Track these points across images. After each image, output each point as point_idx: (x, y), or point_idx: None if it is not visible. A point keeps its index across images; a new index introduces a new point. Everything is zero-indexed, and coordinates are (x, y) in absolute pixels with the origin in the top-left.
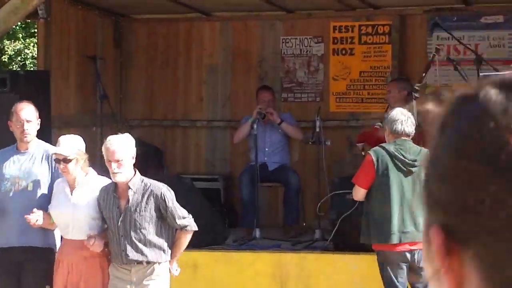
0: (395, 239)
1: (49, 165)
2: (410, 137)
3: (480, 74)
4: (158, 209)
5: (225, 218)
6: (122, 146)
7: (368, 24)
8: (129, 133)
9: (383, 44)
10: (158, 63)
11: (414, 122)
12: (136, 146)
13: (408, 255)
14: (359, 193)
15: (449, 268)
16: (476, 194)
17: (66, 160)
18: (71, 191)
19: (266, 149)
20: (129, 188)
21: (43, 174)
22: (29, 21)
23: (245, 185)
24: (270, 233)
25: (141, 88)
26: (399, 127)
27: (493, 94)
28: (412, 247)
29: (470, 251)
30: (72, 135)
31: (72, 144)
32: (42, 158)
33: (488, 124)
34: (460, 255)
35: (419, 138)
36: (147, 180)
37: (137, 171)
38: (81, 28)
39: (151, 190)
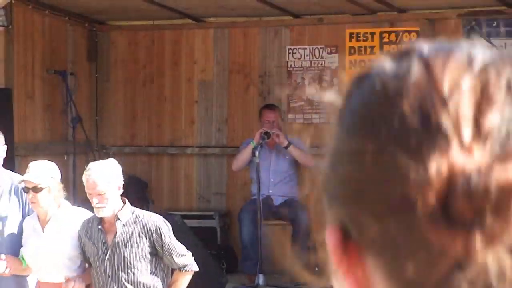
0: None
1: (19, 200)
2: None
3: None
4: (152, 245)
5: (222, 262)
6: (104, 176)
7: (392, 30)
8: None
9: None
10: (140, 79)
11: None
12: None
13: None
14: None
15: (349, 271)
16: (367, 173)
17: (37, 189)
18: (43, 227)
19: (271, 179)
20: (118, 219)
21: (12, 211)
22: None
23: (245, 224)
24: (276, 280)
25: (120, 109)
26: None
27: (386, 64)
28: None
29: (369, 250)
30: (45, 161)
31: (44, 171)
32: (10, 192)
33: (378, 93)
34: (359, 256)
35: None
36: (139, 211)
37: (126, 201)
38: (49, 38)
39: (144, 223)
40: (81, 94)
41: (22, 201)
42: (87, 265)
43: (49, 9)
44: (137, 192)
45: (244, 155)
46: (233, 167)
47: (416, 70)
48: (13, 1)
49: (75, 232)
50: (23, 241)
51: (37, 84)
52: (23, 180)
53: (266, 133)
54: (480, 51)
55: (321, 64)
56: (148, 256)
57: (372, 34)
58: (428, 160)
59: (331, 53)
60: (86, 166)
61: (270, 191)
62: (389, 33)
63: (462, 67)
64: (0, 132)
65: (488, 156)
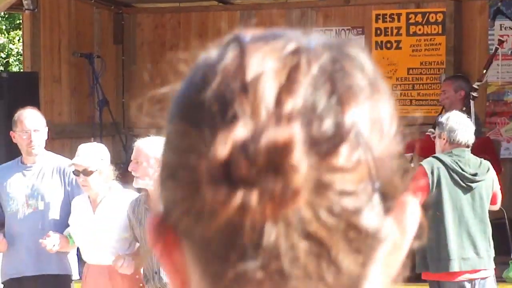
0: (454, 267)
1: (61, 180)
2: (470, 147)
3: None
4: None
5: None
6: (149, 148)
7: (418, 11)
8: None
9: (435, 36)
10: (166, 62)
11: (473, 128)
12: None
13: (468, 286)
14: None
15: (164, 252)
16: (177, 155)
17: (87, 172)
18: (93, 209)
19: None
20: None
21: (55, 191)
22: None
23: None
24: None
25: (147, 91)
26: (461, 136)
27: (210, 52)
28: (473, 276)
29: (186, 240)
30: (95, 143)
31: (93, 154)
32: (53, 173)
33: (193, 80)
34: (175, 238)
35: (478, 146)
36: None
37: None
38: (75, 22)
39: None
40: (107, 77)
41: (64, 181)
42: (137, 244)
43: None
44: None
45: None
46: None
47: (228, 57)
48: None
49: (125, 213)
50: (71, 220)
51: (63, 68)
52: (73, 164)
53: None
54: (304, 38)
55: None
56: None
57: (399, 15)
58: (217, 139)
59: (357, 34)
60: (113, 149)
61: None
62: (415, 14)
63: (273, 53)
64: (41, 115)
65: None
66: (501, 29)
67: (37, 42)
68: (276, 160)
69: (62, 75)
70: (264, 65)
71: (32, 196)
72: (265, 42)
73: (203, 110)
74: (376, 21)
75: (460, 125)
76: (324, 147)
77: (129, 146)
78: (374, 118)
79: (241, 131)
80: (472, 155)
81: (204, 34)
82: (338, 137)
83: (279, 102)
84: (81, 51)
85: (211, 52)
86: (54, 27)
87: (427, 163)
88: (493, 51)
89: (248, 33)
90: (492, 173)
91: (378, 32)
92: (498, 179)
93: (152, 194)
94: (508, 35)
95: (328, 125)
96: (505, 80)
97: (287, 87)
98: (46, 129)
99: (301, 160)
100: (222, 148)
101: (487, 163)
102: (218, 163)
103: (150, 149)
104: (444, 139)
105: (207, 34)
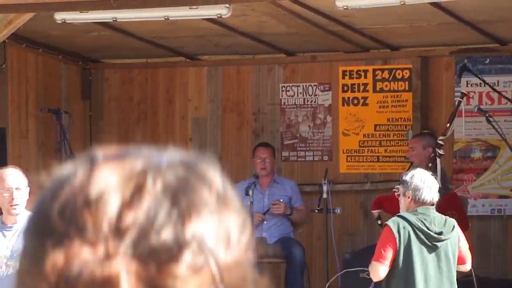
0: None
1: None
2: (434, 205)
3: None
4: None
5: None
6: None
7: (384, 68)
8: None
9: (402, 92)
10: (134, 117)
11: (439, 184)
12: None
13: None
14: (378, 272)
15: None
16: (26, 268)
17: None
18: None
19: (265, 222)
20: None
21: None
22: None
23: None
24: None
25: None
26: (426, 195)
27: (64, 168)
28: None
29: None
30: None
31: None
32: None
33: (45, 196)
34: None
35: (445, 202)
36: None
37: None
38: (42, 77)
39: None
40: (75, 132)
41: None
42: None
43: (43, 47)
44: None
45: None
46: None
47: (78, 174)
48: (6, 40)
49: None
50: None
51: (31, 123)
52: None
53: (255, 175)
54: (156, 156)
55: (315, 102)
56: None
57: (365, 71)
58: (49, 254)
59: (324, 90)
60: None
61: (264, 234)
62: (382, 70)
63: (120, 172)
64: (23, 174)
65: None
66: (467, 86)
67: (5, 97)
68: None
69: (30, 130)
70: (110, 183)
71: (11, 257)
72: (116, 160)
73: (49, 222)
74: (343, 77)
75: (425, 183)
76: (164, 256)
77: None
78: (219, 229)
79: (78, 254)
80: (437, 213)
81: (171, 90)
82: (177, 246)
83: (120, 216)
84: (48, 106)
85: (65, 168)
86: (21, 82)
87: (393, 222)
88: (456, 104)
89: (103, 151)
90: (458, 231)
91: (345, 88)
92: (465, 236)
93: None
94: (474, 92)
95: (167, 235)
96: (472, 137)
97: (130, 203)
98: (28, 188)
99: None
100: (53, 271)
101: (452, 221)
102: (48, 286)
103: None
104: (409, 197)
105: (174, 90)
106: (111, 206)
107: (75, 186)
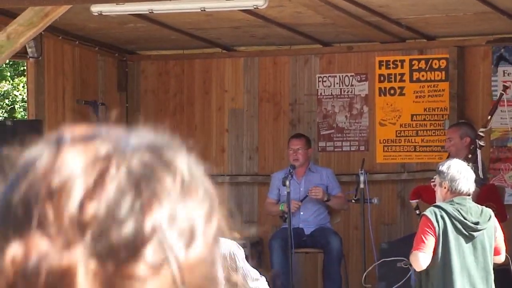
0: None
1: None
2: (471, 195)
3: None
4: (226, 271)
5: None
6: None
7: (421, 58)
8: None
9: (439, 82)
10: (170, 108)
11: (481, 175)
12: None
13: None
14: (420, 261)
15: None
16: None
17: None
18: None
19: (301, 213)
20: None
21: None
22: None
23: (276, 252)
24: None
25: None
26: (462, 186)
27: (33, 149)
28: None
29: None
30: None
31: None
32: None
33: (11, 179)
34: None
35: (484, 194)
36: None
37: None
38: (79, 69)
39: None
40: (111, 124)
41: None
42: None
43: (79, 39)
44: None
45: (273, 212)
46: (265, 211)
47: (43, 159)
48: (43, 33)
49: None
50: None
51: (67, 115)
52: None
53: (293, 166)
54: (124, 139)
55: (351, 92)
56: (222, 281)
57: (402, 61)
58: (9, 247)
59: (361, 80)
60: None
61: (301, 225)
62: (419, 60)
63: (85, 156)
64: None
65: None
66: (504, 75)
67: (42, 90)
68: (55, 283)
69: (67, 122)
70: (74, 169)
71: None
72: (83, 143)
73: (10, 212)
74: (380, 68)
75: (461, 174)
76: (124, 253)
77: None
78: (182, 222)
79: (37, 245)
80: (473, 203)
81: (208, 81)
82: (138, 242)
83: (82, 208)
84: (85, 98)
85: (33, 150)
86: (58, 74)
87: (430, 212)
88: (497, 97)
89: (71, 132)
90: (494, 221)
91: (382, 78)
92: (501, 227)
93: None
94: (511, 81)
95: (128, 230)
96: (509, 126)
97: (92, 193)
98: None
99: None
100: (13, 263)
101: (488, 211)
102: (5, 280)
103: None
104: (445, 187)
105: (211, 81)
106: (73, 196)
107: (38, 173)
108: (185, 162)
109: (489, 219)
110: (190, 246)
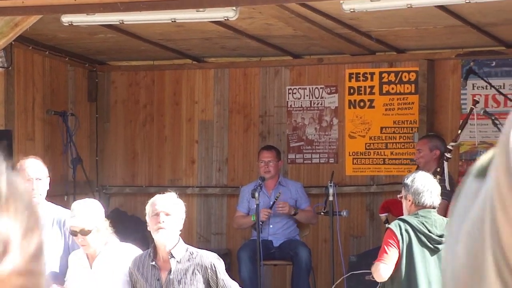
0: None
1: (61, 232)
2: (436, 208)
3: None
4: (207, 282)
5: None
6: (175, 203)
7: (391, 70)
8: (108, 202)
9: (408, 95)
10: (140, 119)
11: (447, 187)
12: (115, 217)
13: None
14: (381, 271)
15: None
16: None
17: (85, 232)
18: (90, 264)
19: (270, 226)
20: (172, 256)
21: (55, 244)
22: None
23: (245, 263)
24: None
25: (121, 149)
26: (426, 199)
27: None
28: None
29: None
30: (87, 199)
31: (89, 212)
32: (53, 224)
33: None
34: None
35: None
36: (193, 249)
37: (180, 238)
38: (49, 79)
39: (199, 260)
40: (81, 134)
41: (65, 234)
42: None
43: (49, 49)
44: (137, 232)
45: (243, 224)
46: (234, 225)
47: None
48: (13, 43)
49: (125, 268)
50: (67, 276)
51: (37, 125)
52: (70, 226)
53: (262, 178)
54: None
55: (321, 104)
56: None
57: (372, 74)
58: None
59: (331, 93)
60: None
61: (270, 237)
62: (389, 73)
63: None
64: (43, 164)
65: None
66: (473, 89)
67: (11, 100)
68: None
69: (36, 132)
70: None
71: None
72: None
73: None
74: (350, 80)
75: (425, 187)
76: None
77: (102, 205)
78: None
79: None
80: (438, 216)
81: (178, 92)
82: None
83: None
84: (55, 108)
85: None
86: (28, 84)
87: (395, 225)
88: (466, 110)
89: None
90: None
91: (352, 91)
92: None
93: (162, 250)
94: (480, 95)
95: None
96: (479, 139)
97: None
98: (48, 179)
99: None
100: None
101: None
102: None
103: (178, 204)
104: (410, 200)
105: (181, 92)
106: None
107: None
108: (3, 178)
109: None
110: (3, 259)
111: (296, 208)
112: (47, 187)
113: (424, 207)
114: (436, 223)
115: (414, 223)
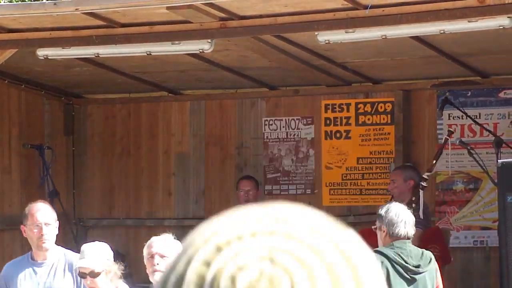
0: None
1: (73, 278)
2: (410, 239)
3: (500, 159)
4: None
5: None
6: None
7: (367, 101)
8: (86, 235)
9: (384, 125)
10: (117, 152)
11: (421, 215)
12: None
13: None
14: None
15: None
16: None
17: (94, 274)
18: None
19: None
20: None
21: None
22: None
23: None
24: None
25: (97, 182)
26: (400, 230)
27: None
28: None
29: None
30: (97, 242)
31: (98, 254)
32: (64, 270)
33: None
34: None
35: (428, 237)
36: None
37: None
38: (25, 112)
39: None
40: (58, 167)
41: (77, 279)
42: None
43: (25, 83)
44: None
45: None
46: None
47: None
48: None
49: None
50: None
51: (14, 159)
52: (79, 267)
53: None
54: None
55: (297, 135)
56: None
57: (348, 105)
58: None
59: (307, 124)
60: (63, 240)
61: None
62: (365, 103)
63: None
64: (52, 209)
65: None
66: (449, 119)
67: None
68: None
69: (13, 166)
70: None
71: None
72: None
73: None
74: (326, 111)
75: (399, 217)
76: None
77: (80, 238)
78: None
79: None
80: (413, 246)
81: (154, 125)
82: None
83: None
84: (31, 142)
85: None
86: (4, 118)
87: None
88: (442, 140)
89: None
90: (434, 264)
91: (328, 121)
92: (441, 270)
93: None
94: (456, 125)
95: None
96: (454, 169)
97: None
98: (57, 223)
99: None
100: None
101: (429, 254)
102: None
103: (174, 246)
104: (384, 231)
105: (157, 125)
106: None
107: None
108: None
109: (429, 262)
110: None
111: None
112: (56, 232)
113: (398, 238)
114: (412, 254)
115: (390, 255)
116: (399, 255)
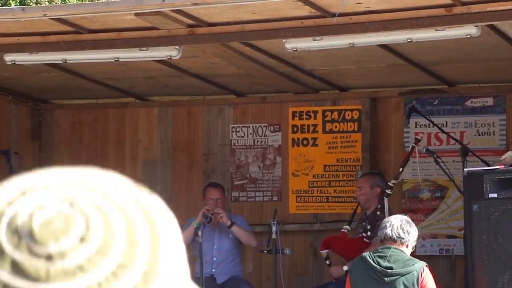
0: None
1: None
2: (401, 244)
3: (466, 168)
4: None
5: None
6: None
7: (334, 109)
8: None
9: (351, 133)
10: (84, 158)
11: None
12: None
13: None
14: None
15: None
16: None
17: None
18: None
19: (214, 258)
20: None
21: None
22: None
23: None
24: None
25: None
26: (386, 233)
27: None
28: None
29: None
30: None
31: None
32: None
33: None
34: None
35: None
36: None
37: None
38: None
39: None
40: (24, 173)
41: None
42: None
43: None
44: None
45: (186, 235)
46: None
47: None
48: None
49: None
50: None
51: None
52: None
53: (207, 217)
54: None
55: (264, 142)
56: None
57: (315, 112)
58: None
59: (274, 131)
60: None
61: (213, 270)
62: (332, 111)
63: None
64: None
65: None
66: (416, 127)
67: None
68: None
69: None
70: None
71: None
72: None
73: None
74: (293, 118)
75: (388, 222)
76: None
77: None
78: None
79: None
80: (400, 252)
81: (121, 131)
82: None
83: None
84: None
85: None
86: None
87: (351, 263)
88: (409, 148)
89: None
90: (420, 271)
91: (295, 129)
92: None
93: None
94: (423, 133)
95: None
96: (421, 177)
97: None
98: None
99: None
100: None
101: (414, 261)
102: None
103: None
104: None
105: (124, 131)
106: None
107: None
108: None
109: (410, 267)
110: None
111: (232, 222)
112: None
113: (385, 241)
114: (392, 258)
115: (366, 257)
116: (374, 258)
